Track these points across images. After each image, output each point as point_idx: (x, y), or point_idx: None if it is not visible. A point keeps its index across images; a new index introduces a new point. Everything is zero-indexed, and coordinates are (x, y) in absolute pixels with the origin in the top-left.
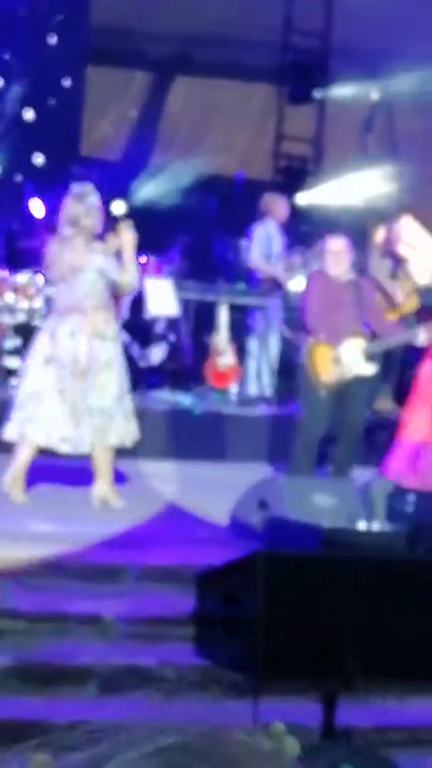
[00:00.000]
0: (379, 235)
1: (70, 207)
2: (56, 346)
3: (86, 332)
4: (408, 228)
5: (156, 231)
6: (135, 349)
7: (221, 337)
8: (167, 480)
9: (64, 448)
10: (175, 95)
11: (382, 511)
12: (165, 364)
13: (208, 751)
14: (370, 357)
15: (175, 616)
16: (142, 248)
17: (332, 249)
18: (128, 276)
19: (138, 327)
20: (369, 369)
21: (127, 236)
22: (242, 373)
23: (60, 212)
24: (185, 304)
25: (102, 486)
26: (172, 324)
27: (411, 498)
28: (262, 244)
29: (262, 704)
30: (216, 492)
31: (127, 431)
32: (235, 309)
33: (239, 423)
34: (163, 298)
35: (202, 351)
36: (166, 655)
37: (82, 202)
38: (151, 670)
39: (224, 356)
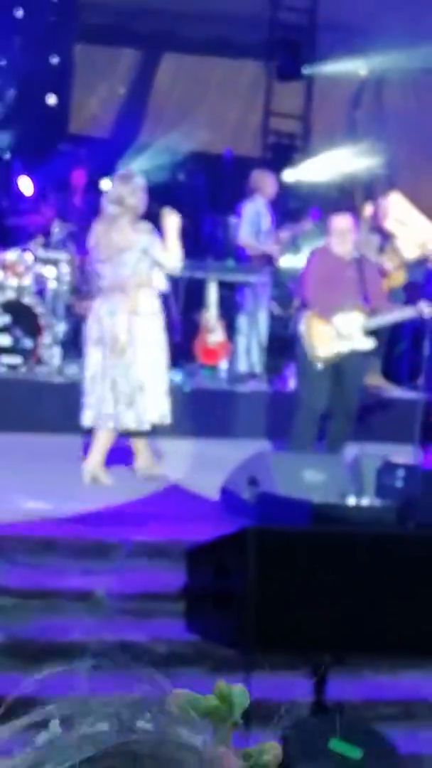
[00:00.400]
0: (368, 210)
1: (115, 188)
2: (101, 326)
3: (126, 310)
4: (396, 204)
5: (145, 208)
6: None
7: (211, 314)
8: (156, 456)
9: (110, 427)
10: (163, 72)
11: (371, 486)
12: None
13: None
14: (368, 332)
15: (166, 592)
16: None
17: (337, 227)
18: (171, 256)
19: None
20: (367, 343)
21: (170, 220)
22: (232, 350)
23: (105, 194)
24: (174, 281)
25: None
26: (162, 301)
27: (401, 473)
28: (251, 222)
29: (253, 679)
30: (206, 468)
31: (162, 408)
32: (224, 286)
33: (229, 399)
34: None
35: (192, 328)
36: (158, 630)
37: (128, 183)
38: (142, 646)
39: (214, 333)
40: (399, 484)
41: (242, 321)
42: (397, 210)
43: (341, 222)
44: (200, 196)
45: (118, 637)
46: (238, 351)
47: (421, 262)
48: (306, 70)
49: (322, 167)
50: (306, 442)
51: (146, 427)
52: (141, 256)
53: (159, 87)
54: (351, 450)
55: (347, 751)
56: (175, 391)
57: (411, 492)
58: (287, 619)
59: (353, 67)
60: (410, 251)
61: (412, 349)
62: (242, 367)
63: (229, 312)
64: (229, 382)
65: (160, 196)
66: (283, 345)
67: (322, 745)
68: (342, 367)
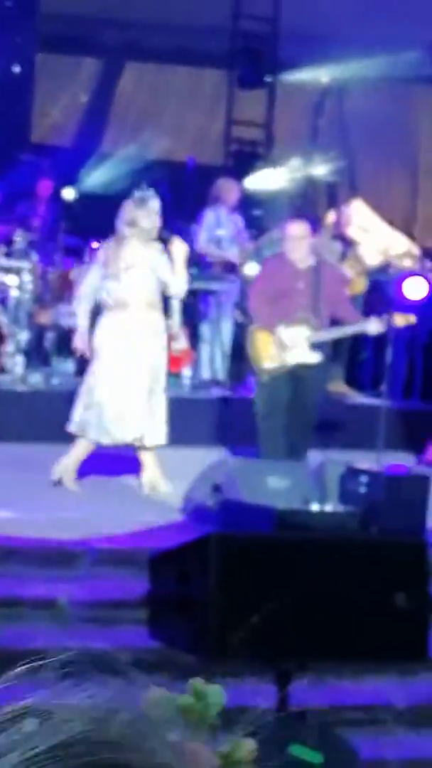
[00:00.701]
0: (330, 218)
1: (129, 210)
2: (101, 341)
3: (126, 326)
4: (358, 211)
5: (107, 216)
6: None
7: (174, 322)
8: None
9: (106, 440)
10: (126, 81)
11: (335, 492)
12: None
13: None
14: (314, 345)
15: (130, 600)
16: (92, 234)
17: (291, 234)
18: (178, 279)
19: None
20: (313, 357)
21: (178, 247)
22: (195, 358)
23: (120, 215)
24: None
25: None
26: None
27: (364, 479)
28: (209, 229)
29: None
30: (170, 475)
31: (150, 427)
32: (187, 294)
33: (192, 407)
34: None
35: None
36: (121, 638)
37: (143, 207)
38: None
39: (177, 341)
40: (362, 489)
41: (205, 329)
42: (359, 217)
43: (296, 229)
44: (163, 204)
45: (82, 644)
46: (202, 358)
47: (382, 269)
48: (268, 79)
49: (284, 175)
50: (272, 452)
51: (126, 441)
52: (148, 273)
53: (121, 96)
54: (315, 456)
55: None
56: None
57: (374, 498)
58: (250, 625)
59: (315, 75)
60: (372, 258)
61: (375, 356)
62: (205, 374)
63: (192, 320)
64: (192, 389)
65: (121, 205)
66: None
67: (284, 751)
68: (298, 377)
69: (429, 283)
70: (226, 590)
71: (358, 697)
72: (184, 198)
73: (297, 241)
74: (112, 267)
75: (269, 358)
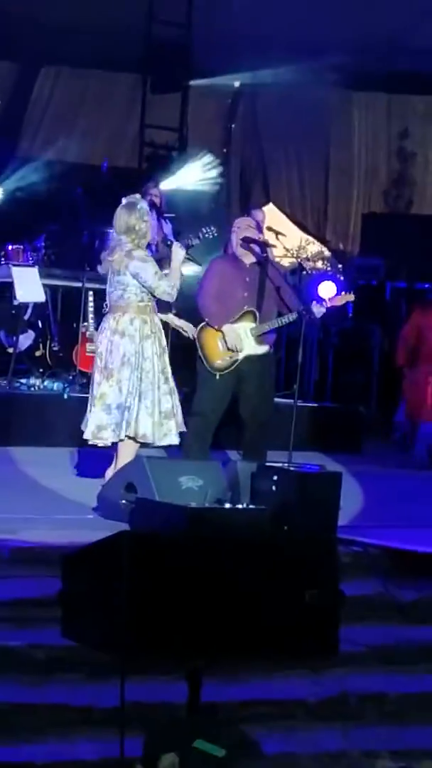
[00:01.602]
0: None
1: (121, 217)
2: (95, 345)
3: (110, 329)
4: (270, 214)
5: (23, 219)
6: (2, 337)
7: (89, 323)
8: (37, 464)
9: (99, 442)
10: (41, 85)
11: (247, 491)
12: (33, 351)
13: None
14: (259, 337)
15: (43, 598)
16: (9, 237)
17: (242, 227)
18: (164, 284)
19: (6, 314)
20: (260, 349)
21: (177, 253)
22: None
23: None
24: (53, 291)
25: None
26: (40, 311)
27: (275, 478)
28: None
29: (131, 683)
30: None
31: (140, 427)
32: (102, 295)
33: None
34: (30, 286)
35: (71, 337)
36: (36, 637)
37: (133, 211)
38: (20, 652)
39: (92, 342)
40: (273, 488)
41: None
42: (271, 220)
43: (245, 222)
44: (78, 207)
45: None
46: None
47: (294, 270)
48: (181, 83)
49: (196, 178)
50: (197, 452)
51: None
52: (131, 279)
53: (37, 100)
54: (229, 455)
55: (211, 750)
56: (54, 399)
57: (285, 497)
58: (161, 623)
59: (228, 79)
60: (284, 261)
61: (287, 356)
62: None
63: None
64: None
65: (37, 208)
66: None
67: (189, 746)
68: (242, 375)
69: (338, 285)
70: (137, 589)
71: (269, 692)
72: (98, 201)
73: (237, 241)
74: (104, 268)
75: (220, 356)
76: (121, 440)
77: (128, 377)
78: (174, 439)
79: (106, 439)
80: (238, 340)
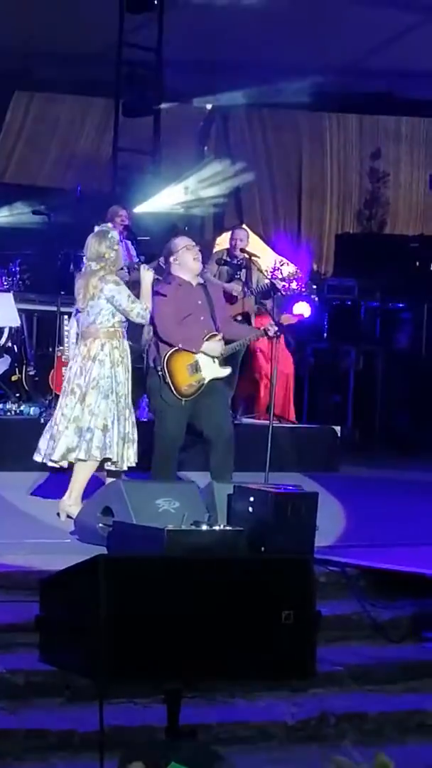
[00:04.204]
0: (221, 241)
1: (92, 245)
2: (70, 373)
3: (81, 356)
4: (244, 235)
5: None
6: None
7: (65, 347)
8: (14, 488)
9: (63, 463)
10: (14, 110)
11: (223, 512)
12: (9, 375)
13: None
14: (224, 359)
15: (22, 623)
16: None
17: (187, 251)
18: (137, 307)
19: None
20: (225, 371)
21: (146, 275)
22: None
23: (84, 248)
24: (28, 315)
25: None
26: (16, 336)
27: (251, 499)
28: None
29: (111, 707)
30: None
31: (114, 450)
32: None
33: None
34: (5, 310)
35: (47, 361)
36: (14, 662)
37: (103, 240)
38: None
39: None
40: (250, 509)
41: None
42: (245, 241)
43: (190, 245)
44: (52, 231)
45: None
46: None
47: (268, 289)
48: (153, 106)
49: (170, 201)
50: (165, 475)
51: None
52: (106, 304)
53: (10, 124)
54: (204, 477)
55: None
56: (32, 423)
57: (262, 517)
58: (139, 646)
59: (200, 102)
60: (260, 281)
61: None
62: None
63: None
64: None
65: (11, 233)
66: (137, 377)
67: None
68: (204, 398)
69: (312, 306)
70: (115, 612)
71: (250, 714)
72: (72, 225)
73: (193, 260)
74: (80, 301)
75: (187, 382)
76: (81, 461)
77: (96, 401)
78: (132, 463)
79: (71, 460)
80: (210, 363)
